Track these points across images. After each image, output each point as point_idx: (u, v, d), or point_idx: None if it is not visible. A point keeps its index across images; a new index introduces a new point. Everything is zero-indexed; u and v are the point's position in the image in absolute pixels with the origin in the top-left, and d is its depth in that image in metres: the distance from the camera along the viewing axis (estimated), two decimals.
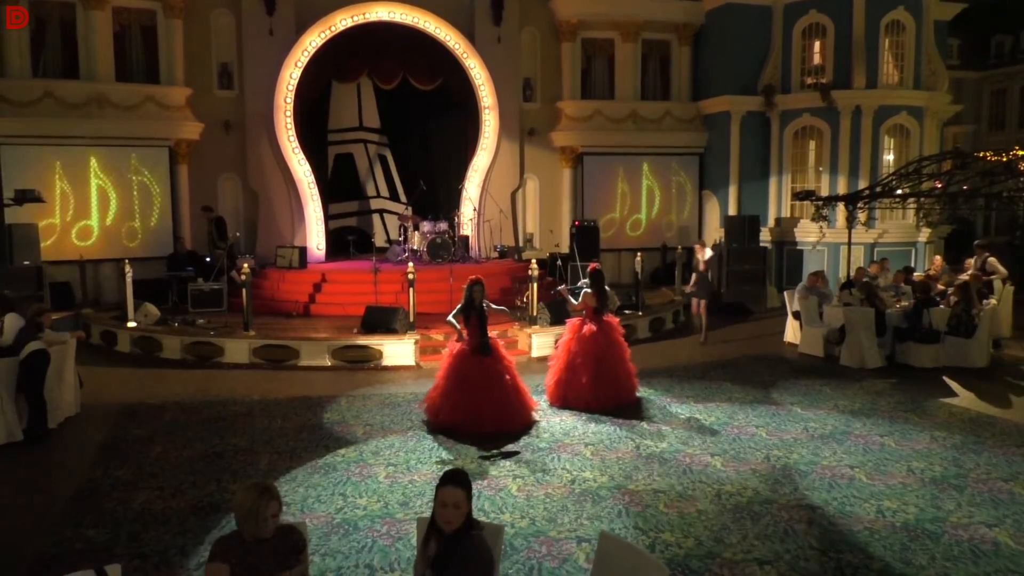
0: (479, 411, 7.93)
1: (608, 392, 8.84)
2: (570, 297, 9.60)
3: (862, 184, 16.18)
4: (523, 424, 8.18)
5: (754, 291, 16.21)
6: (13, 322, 7.82)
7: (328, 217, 17.19)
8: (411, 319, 11.62)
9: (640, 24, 18.68)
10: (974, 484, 6.52)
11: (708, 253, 14.59)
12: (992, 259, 13.69)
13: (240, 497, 3.39)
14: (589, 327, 8.97)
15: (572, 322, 9.27)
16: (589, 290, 9.11)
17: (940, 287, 12.59)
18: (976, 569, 5.06)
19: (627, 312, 13.52)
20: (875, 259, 15.15)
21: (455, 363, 8.16)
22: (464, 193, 17.18)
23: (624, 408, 8.83)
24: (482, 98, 17.04)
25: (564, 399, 8.92)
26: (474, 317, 8.18)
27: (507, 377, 8.21)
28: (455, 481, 3.44)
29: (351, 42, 16.43)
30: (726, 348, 12.60)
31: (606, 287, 9.42)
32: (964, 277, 12.58)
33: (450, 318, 8.31)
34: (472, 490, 3.52)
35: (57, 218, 15.12)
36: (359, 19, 16.19)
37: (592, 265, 9.61)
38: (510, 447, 7.53)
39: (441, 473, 3.67)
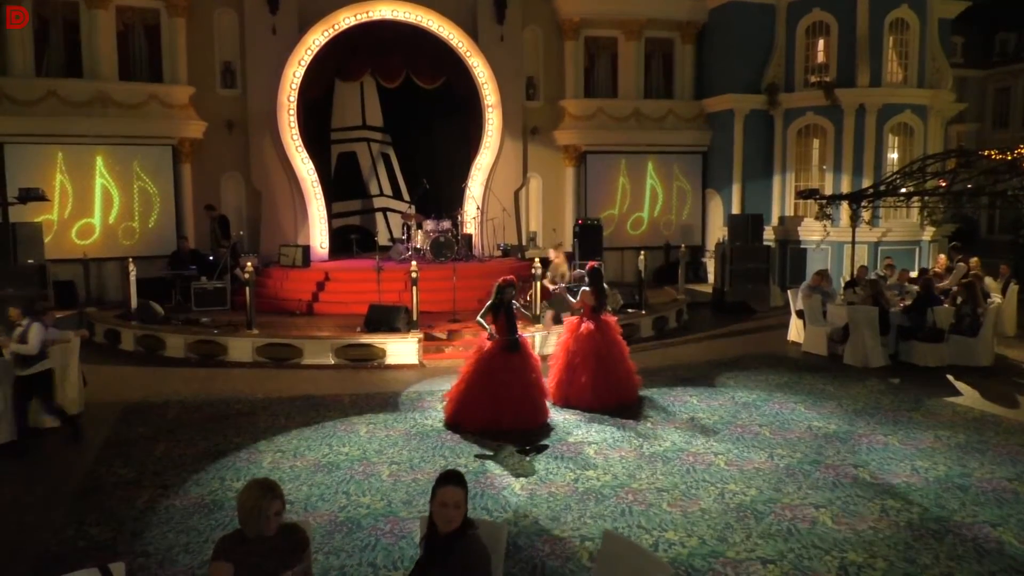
0: (500, 407, 7.94)
1: (609, 391, 8.81)
2: (568, 296, 9.56)
3: (866, 183, 16.15)
4: (541, 423, 8.18)
5: (757, 290, 16.19)
6: (38, 333, 7.69)
7: (331, 216, 17.21)
8: (414, 318, 11.62)
9: (643, 22, 18.65)
10: (978, 483, 6.51)
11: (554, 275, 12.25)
12: (961, 264, 13.68)
13: (243, 495, 3.39)
14: (587, 326, 8.93)
15: (570, 321, 9.23)
16: (587, 288, 9.08)
17: (943, 285, 12.57)
18: (980, 568, 5.04)
19: (630, 311, 13.50)
20: (887, 260, 15.12)
21: (483, 359, 8.17)
22: (467, 192, 17.17)
23: (626, 407, 8.81)
24: (485, 96, 17.03)
25: (565, 399, 8.89)
26: (503, 316, 8.21)
27: (532, 375, 8.23)
28: (455, 481, 3.43)
29: (354, 41, 16.43)
30: (729, 347, 12.58)
31: (605, 285, 9.38)
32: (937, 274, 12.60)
33: (479, 319, 8.34)
34: (468, 489, 3.51)
35: (60, 217, 15.15)
36: (362, 17, 16.19)
37: (591, 264, 9.56)
38: (511, 447, 7.51)
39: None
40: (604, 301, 9.27)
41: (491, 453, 7.34)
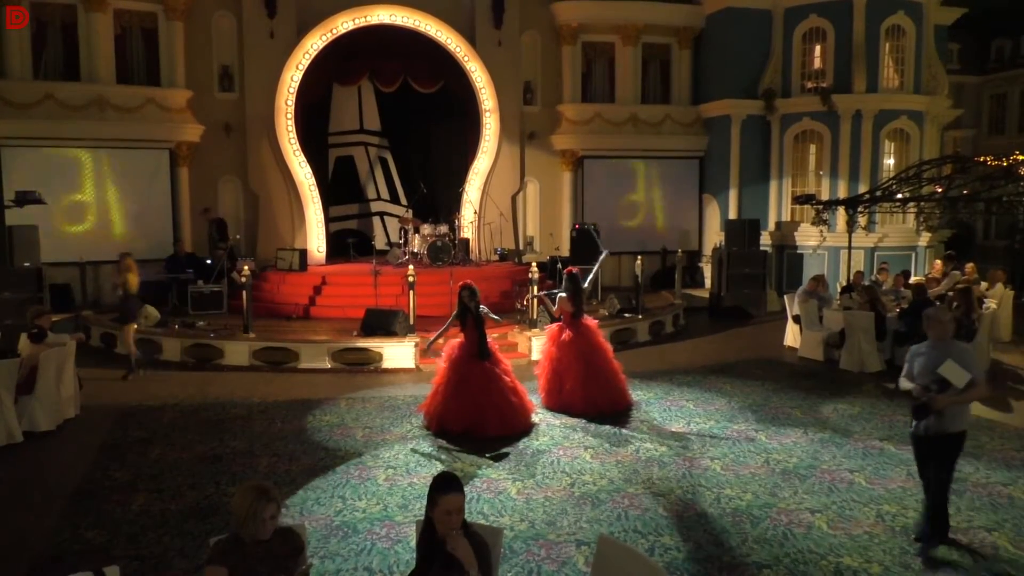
0: (483, 415, 7.91)
1: (599, 393, 8.77)
2: (548, 302, 9.52)
3: (862, 188, 16.20)
4: (525, 427, 8.17)
5: (754, 295, 16.20)
6: None
7: (328, 219, 17.19)
8: (411, 322, 11.61)
9: (640, 28, 18.71)
10: (973, 488, 6.52)
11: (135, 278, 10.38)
12: (955, 273, 13.75)
13: (239, 499, 3.39)
14: (568, 333, 8.88)
15: (551, 328, 9.20)
16: (564, 295, 8.98)
17: (937, 291, 12.58)
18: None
19: (627, 315, 13.51)
20: (881, 264, 15.15)
21: (455, 368, 8.14)
22: (464, 196, 17.18)
23: (621, 411, 8.82)
24: (483, 101, 17.05)
25: (558, 405, 8.86)
26: (471, 321, 8.18)
27: (507, 379, 8.22)
28: (455, 487, 3.41)
29: (352, 45, 16.46)
30: (726, 352, 12.59)
31: (583, 289, 9.31)
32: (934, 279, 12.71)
33: (429, 344, 8.78)
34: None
35: (57, 220, 15.12)
36: (360, 22, 16.20)
37: (568, 269, 9.43)
38: (507, 450, 7.52)
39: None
40: (582, 306, 9.19)
41: (487, 457, 7.34)
